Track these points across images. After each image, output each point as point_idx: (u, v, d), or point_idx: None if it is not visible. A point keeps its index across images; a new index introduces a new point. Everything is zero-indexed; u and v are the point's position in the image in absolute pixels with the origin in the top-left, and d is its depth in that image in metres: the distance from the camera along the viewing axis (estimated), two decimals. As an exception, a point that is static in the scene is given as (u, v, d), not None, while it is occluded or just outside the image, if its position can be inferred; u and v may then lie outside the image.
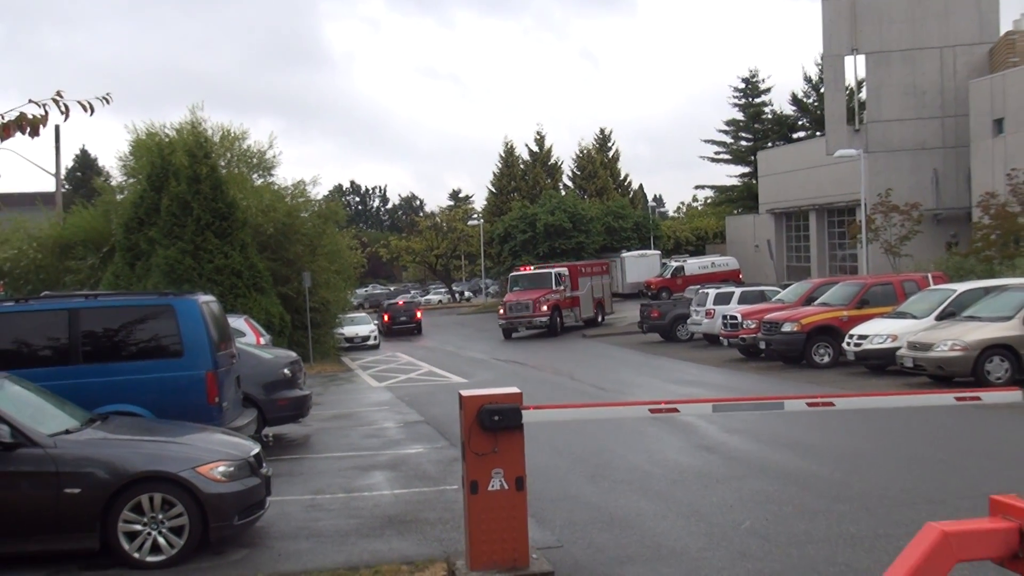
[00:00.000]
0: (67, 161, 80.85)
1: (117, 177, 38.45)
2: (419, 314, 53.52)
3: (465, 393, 7.06)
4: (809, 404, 7.10)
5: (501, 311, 41.69)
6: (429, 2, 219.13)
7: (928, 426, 14.10)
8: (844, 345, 22.61)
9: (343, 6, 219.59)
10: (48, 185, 40.06)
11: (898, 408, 14.96)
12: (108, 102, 5.89)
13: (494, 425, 6.80)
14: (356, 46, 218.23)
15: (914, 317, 21.49)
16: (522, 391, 7.29)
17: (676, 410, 6.96)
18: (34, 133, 5.75)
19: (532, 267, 45.73)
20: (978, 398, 7.29)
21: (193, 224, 27.75)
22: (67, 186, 61.48)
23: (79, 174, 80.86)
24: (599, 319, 45.01)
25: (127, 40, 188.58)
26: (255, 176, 37.41)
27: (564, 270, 43.23)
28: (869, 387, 19.56)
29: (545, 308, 40.19)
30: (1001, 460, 11.61)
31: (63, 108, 5.74)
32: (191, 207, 27.92)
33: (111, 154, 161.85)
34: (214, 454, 8.78)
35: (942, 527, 2.79)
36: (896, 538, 7.96)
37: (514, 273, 45.19)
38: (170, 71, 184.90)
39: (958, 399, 7.31)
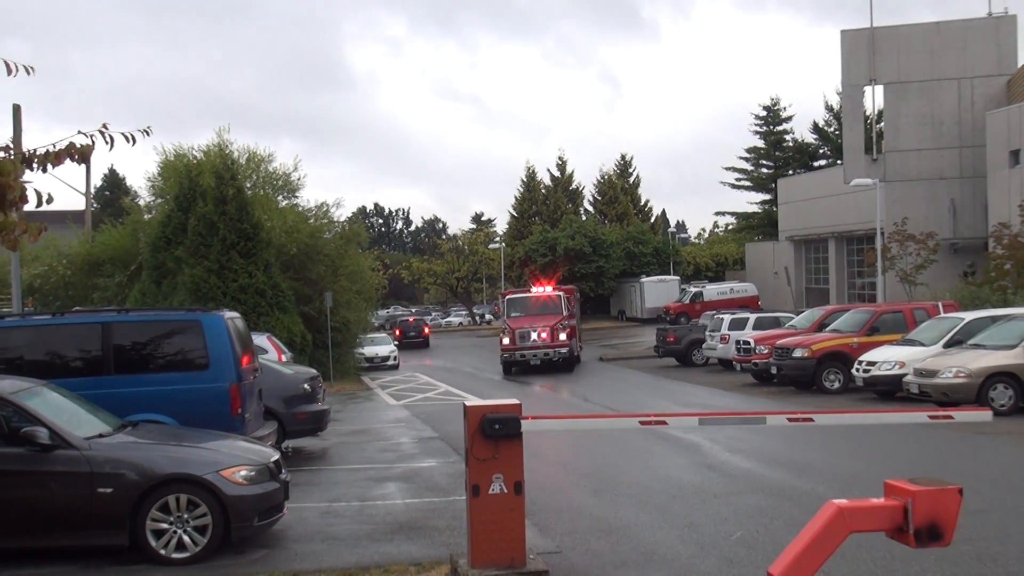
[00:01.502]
0: (96, 180, 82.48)
1: (145, 197, 39.59)
2: (427, 330, 63.10)
3: (469, 403, 7.65)
4: (790, 419, 7.62)
5: (507, 340, 34.63)
6: (450, 25, 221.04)
7: (926, 449, 14.57)
8: (853, 371, 23.05)
9: (365, 28, 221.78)
10: (78, 204, 41.04)
11: (898, 432, 15.47)
12: (148, 134, 6.55)
13: (495, 433, 7.37)
14: (378, 68, 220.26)
15: (922, 344, 21.91)
16: (535, 408, 7.87)
17: (664, 422, 7.51)
18: (82, 160, 6.42)
19: (533, 289, 38.90)
20: (951, 417, 7.77)
21: (219, 244, 28.53)
22: (96, 205, 62.75)
23: (107, 193, 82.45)
24: (577, 355, 38.21)
25: (150, 60, 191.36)
26: (280, 198, 38.38)
27: (563, 293, 37.54)
28: (875, 412, 19.98)
29: (564, 337, 34.30)
30: (987, 481, 12.03)
31: (108, 139, 6.39)
32: (217, 227, 28.72)
33: (138, 174, 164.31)
34: (236, 459, 9.40)
35: (839, 504, 3.35)
36: (874, 548, 8.44)
37: (512, 295, 38.38)
38: (192, 91, 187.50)
39: (931, 417, 7.82)
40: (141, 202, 39.77)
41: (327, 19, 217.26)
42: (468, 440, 7.44)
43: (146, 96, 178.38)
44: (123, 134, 6.57)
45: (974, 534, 9.00)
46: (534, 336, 34.26)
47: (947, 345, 21.17)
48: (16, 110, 25.86)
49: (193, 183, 30.55)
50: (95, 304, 30.85)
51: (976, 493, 10.97)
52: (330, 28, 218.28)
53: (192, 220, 29.22)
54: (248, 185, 35.13)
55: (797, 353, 24.72)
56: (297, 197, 39.40)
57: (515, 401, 7.63)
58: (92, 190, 47.46)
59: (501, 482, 7.45)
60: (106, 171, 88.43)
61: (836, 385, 24.12)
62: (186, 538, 8.97)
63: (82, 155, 6.40)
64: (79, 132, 6.52)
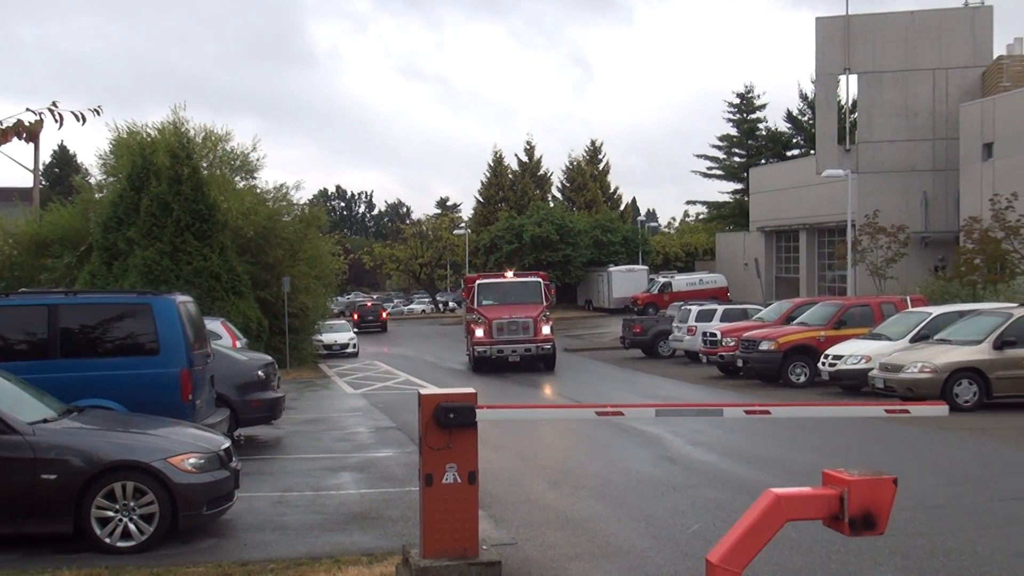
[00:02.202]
0: (45, 157, 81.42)
1: (96, 175, 39.18)
2: (384, 314, 66.63)
3: (423, 392, 7.76)
4: (747, 412, 7.82)
5: (480, 332, 31.11)
6: (416, 1, 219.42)
7: (888, 444, 14.89)
8: (820, 365, 23.40)
9: (327, 2, 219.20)
10: (25, 181, 40.57)
11: (861, 426, 15.81)
12: (99, 113, 6.60)
13: (449, 422, 7.48)
14: (340, 44, 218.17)
15: (889, 339, 22.30)
16: (493, 399, 8.00)
17: (621, 413, 7.68)
18: (31, 139, 6.46)
19: (510, 273, 36.16)
20: (907, 411, 7.99)
21: (173, 225, 28.40)
22: (44, 182, 62.00)
23: (57, 170, 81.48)
24: None
25: (101, 32, 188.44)
26: (237, 178, 38.11)
27: (542, 280, 34.69)
28: (840, 407, 20.34)
29: (547, 330, 31.18)
30: (945, 476, 12.33)
31: (58, 117, 6.43)
32: (171, 208, 28.57)
33: (89, 151, 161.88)
34: (186, 446, 9.45)
35: (777, 492, 3.52)
36: (829, 543, 8.67)
37: (485, 280, 34.43)
38: (146, 65, 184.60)
39: (888, 411, 8.04)
40: (92, 180, 39.35)
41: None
42: (422, 429, 7.55)
43: (97, 69, 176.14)
44: (73, 113, 6.61)
45: (929, 528, 9.27)
46: (516, 329, 30.88)
47: (913, 340, 21.56)
48: (-39, 82, 25.51)
49: (147, 162, 30.32)
50: (42, 285, 30.56)
51: (934, 488, 11.28)
52: (290, 1, 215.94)
53: (145, 200, 29.03)
54: (204, 165, 34.89)
55: (763, 346, 25.04)
56: (255, 178, 39.16)
57: (471, 390, 7.75)
58: (41, 167, 46.95)
59: (455, 472, 7.57)
60: (56, 147, 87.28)
61: (802, 379, 24.46)
62: (132, 527, 9.01)
63: (31, 133, 6.43)
64: (28, 110, 6.56)
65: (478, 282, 33.62)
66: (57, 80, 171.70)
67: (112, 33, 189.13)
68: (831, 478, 3.66)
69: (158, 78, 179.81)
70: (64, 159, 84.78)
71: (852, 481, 3.56)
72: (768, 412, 7.87)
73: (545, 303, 32.61)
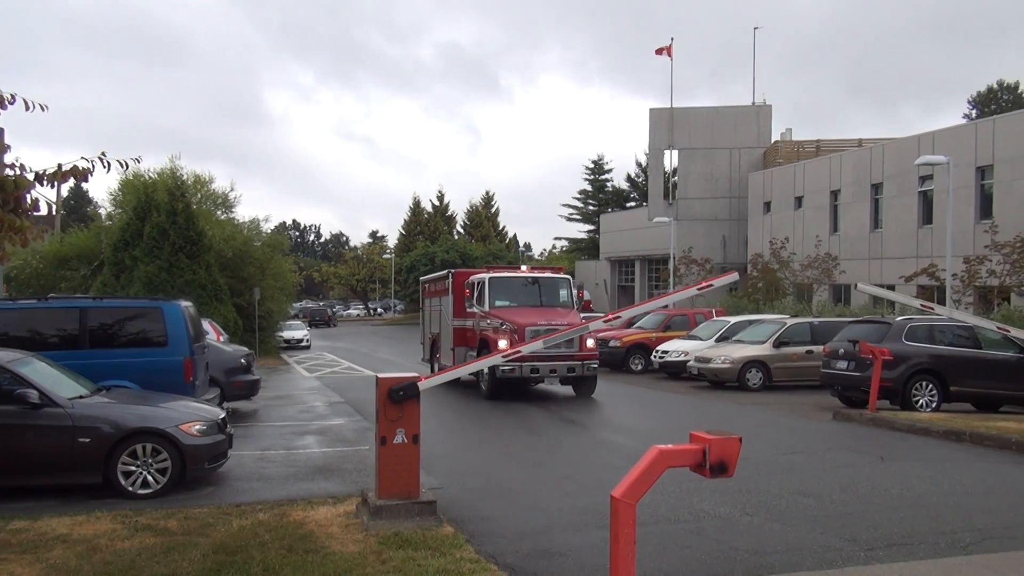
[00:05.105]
0: (63, 192, 77.25)
1: (107, 207, 37.53)
2: (328, 313, 71.83)
3: (380, 376, 7.74)
4: (604, 321, 8.31)
5: (505, 343, 16.62)
6: (350, 80, 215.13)
7: (706, 414, 15.40)
8: (652, 357, 24.02)
9: (280, 76, 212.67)
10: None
11: (687, 403, 16.22)
12: (139, 162, 6.41)
13: (399, 398, 7.48)
14: (290, 110, 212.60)
15: (701, 339, 23.06)
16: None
17: (520, 351, 8.00)
18: (83, 180, 6.21)
19: (526, 267, 20.32)
20: (709, 283, 8.32)
21: (169, 247, 27.42)
22: (63, 212, 58.88)
23: (72, 203, 77.69)
24: None
25: (100, 92, 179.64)
26: (219, 212, 37.06)
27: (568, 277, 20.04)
28: (665, 388, 20.94)
29: (591, 343, 17.84)
30: (744, 437, 12.79)
31: (105, 164, 6.20)
32: (168, 234, 27.58)
33: (99, 189, 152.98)
34: (192, 416, 9.17)
35: (661, 447, 3.70)
36: (673, 483, 8.94)
37: (499, 274, 19.08)
38: (136, 122, 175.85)
39: (698, 290, 8.34)
40: (103, 211, 37.69)
41: (248, 67, 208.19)
42: (380, 404, 7.52)
43: (98, 125, 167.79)
44: (118, 161, 6.38)
45: (736, 474, 9.63)
46: (560, 342, 16.35)
47: (718, 340, 22.36)
48: None
49: (149, 198, 29.23)
50: (63, 292, 29.05)
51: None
52: (251, 75, 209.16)
53: (147, 228, 27.95)
54: (194, 201, 33.78)
55: (612, 343, 25.55)
56: (233, 212, 38.16)
57: (415, 374, 7.76)
58: (60, 200, 44.56)
59: (403, 435, 7.57)
60: (71, 185, 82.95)
61: (639, 367, 25.05)
62: (150, 478, 8.70)
63: (83, 176, 6.19)
64: (82, 157, 6.30)
65: (491, 276, 18.92)
66: (65, 132, 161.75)
67: (109, 93, 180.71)
68: (696, 437, 3.85)
69: (147, 133, 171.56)
70: (78, 194, 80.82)
71: (711, 440, 3.75)
72: (619, 316, 8.21)
73: (575, 306, 19.10)
